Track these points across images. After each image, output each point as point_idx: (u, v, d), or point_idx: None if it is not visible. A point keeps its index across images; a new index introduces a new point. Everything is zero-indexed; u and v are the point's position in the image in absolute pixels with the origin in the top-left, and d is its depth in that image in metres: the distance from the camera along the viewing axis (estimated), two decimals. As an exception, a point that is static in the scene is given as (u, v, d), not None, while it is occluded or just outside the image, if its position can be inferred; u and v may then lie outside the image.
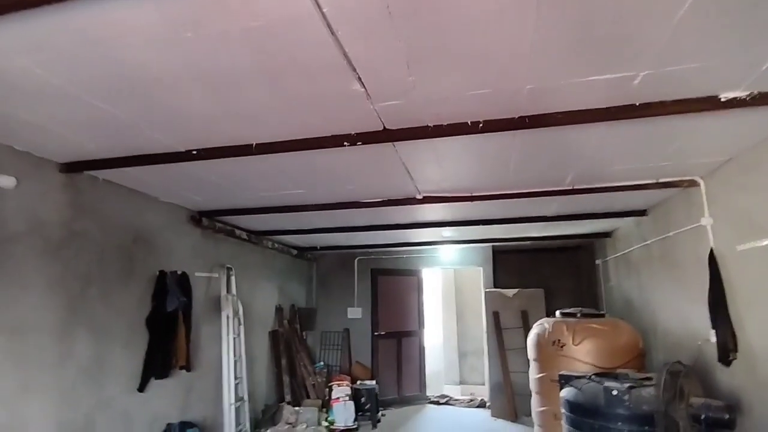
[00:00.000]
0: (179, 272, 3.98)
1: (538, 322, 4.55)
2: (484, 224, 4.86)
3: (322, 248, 6.63)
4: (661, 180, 3.41)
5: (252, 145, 2.60)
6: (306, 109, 2.19)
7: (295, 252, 6.53)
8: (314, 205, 4.03)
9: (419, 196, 3.79)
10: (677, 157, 2.88)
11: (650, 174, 3.30)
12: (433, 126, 2.35)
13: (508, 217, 4.74)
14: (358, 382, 6.02)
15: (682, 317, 3.79)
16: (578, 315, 4.34)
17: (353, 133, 2.44)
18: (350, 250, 6.97)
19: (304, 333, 6.82)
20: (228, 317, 4.58)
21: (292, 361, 5.92)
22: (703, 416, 2.44)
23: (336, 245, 6.54)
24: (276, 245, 5.92)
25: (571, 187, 3.57)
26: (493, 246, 6.79)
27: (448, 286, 7.87)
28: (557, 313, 4.55)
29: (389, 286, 6.64)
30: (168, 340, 3.73)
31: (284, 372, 5.76)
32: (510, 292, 6.21)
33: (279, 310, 6.05)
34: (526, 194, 3.67)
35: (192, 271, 4.21)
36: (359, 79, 1.90)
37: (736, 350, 2.95)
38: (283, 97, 2.06)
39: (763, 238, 2.64)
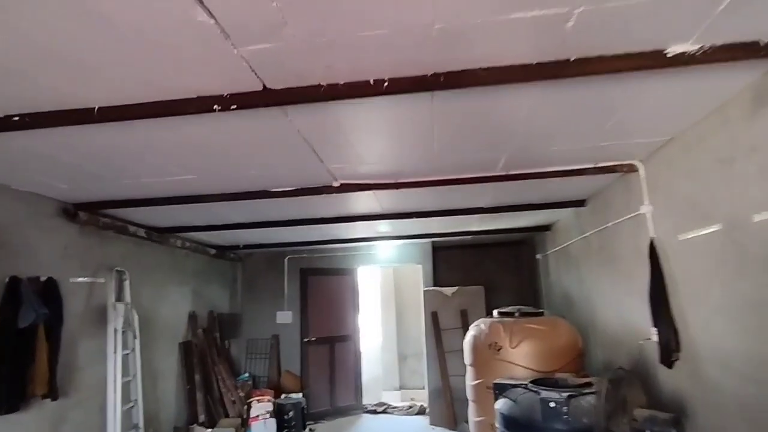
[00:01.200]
0: (43, 278, 3.23)
1: (475, 323, 4.18)
2: (418, 217, 4.43)
3: (246, 247, 5.96)
4: (600, 165, 3.10)
5: (93, 109, 1.97)
6: (152, 55, 1.61)
7: (213, 251, 5.82)
8: (215, 195, 3.42)
9: (336, 184, 3.28)
10: (616, 133, 2.55)
11: (588, 157, 2.98)
12: (327, 85, 1.84)
13: (443, 209, 4.34)
14: (283, 396, 5.43)
15: (622, 314, 3.53)
16: (516, 314, 4.01)
17: (225, 93, 1.89)
18: (279, 249, 6.35)
19: (226, 342, 6.12)
20: (116, 330, 3.85)
21: (208, 375, 5.23)
22: (647, 431, 2.11)
23: (261, 243, 5.90)
24: (188, 244, 5.20)
25: (505, 173, 3.20)
26: (432, 242, 6.43)
27: (387, 285, 7.43)
28: (495, 312, 4.20)
29: (321, 287, 6.09)
30: (22, 363, 2.98)
31: (198, 388, 5.06)
32: (449, 290, 5.86)
33: (193, 317, 5.33)
34: (457, 181, 3.26)
35: (64, 277, 3.46)
36: (200, 1, 1.35)
37: (678, 350, 2.67)
38: (117, 35, 1.48)
39: (706, 225, 2.36)
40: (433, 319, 5.77)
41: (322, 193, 3.38)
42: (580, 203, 4.24)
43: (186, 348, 5.12)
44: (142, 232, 4.34)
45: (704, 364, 2.45)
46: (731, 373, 2.23)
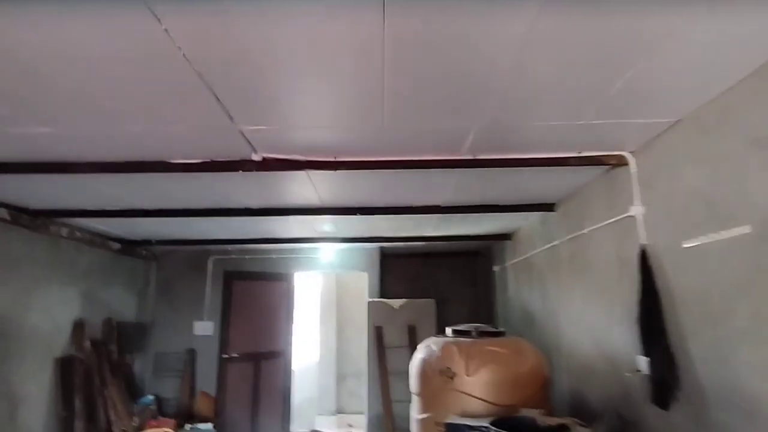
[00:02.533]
0: None
1: (425, 343, 3.51)
2: (364, 213, 3.73)
3: (160, 242, 4.99)
4: (584, 154, 2.55)
5: None
6: None
7: (117, 246, 4.80)
8: (88, 163, 2.54)
9: (256, 157, 2.51)
10: (618, 106, 1.98)
11: (573, 142, 2.42)
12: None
13: (394, 206, 3.67)
14: (188, 428, 4.48)
15: (597, 337, 2.98)
16: (473, 334, 3.37)
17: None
18: (202, 247, 5.42)
19: (129, 356, 5.07)
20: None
21: (93, 398, 4.19)
22: None
23: (178, 239, 4.95)
24: (78, 234, 4.18)
25: (471, 157, 2.57)
26: (381, 248, 5.74)
27: (328, 294, 6.64)
28: (448, 330, 3.55)
29: (248, 294, 5.21)
30: None
31: (78, 416, 4.02)
32: (396, 302, 5.17)
33: (79, 326, 4.28)
34: (411, 164, 2.59)
35: None
36: None
37: (678, 387, 2.12)
38: None
39: (728, 227, 1.82)
40: (377, 335, 5.05)
41: (238, 170, 2.59)
42: (548, 207, 3.72)
43: (65, 365, 4.07)
44: (3, 213, 3.33)
45: (716, 408, 1.90)
46: (761, 423, 1.67)
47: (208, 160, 2.57)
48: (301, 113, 2.05)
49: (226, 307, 5.04)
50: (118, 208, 3.59)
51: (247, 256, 5.65)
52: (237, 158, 2.54)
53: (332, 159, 2.58)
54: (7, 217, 3.38)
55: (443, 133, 2.27)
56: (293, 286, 5.62)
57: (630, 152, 2.54)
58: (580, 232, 3.20)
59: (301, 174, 2.85)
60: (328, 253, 5.65)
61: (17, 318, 3.58)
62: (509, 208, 3.73)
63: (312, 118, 2.09)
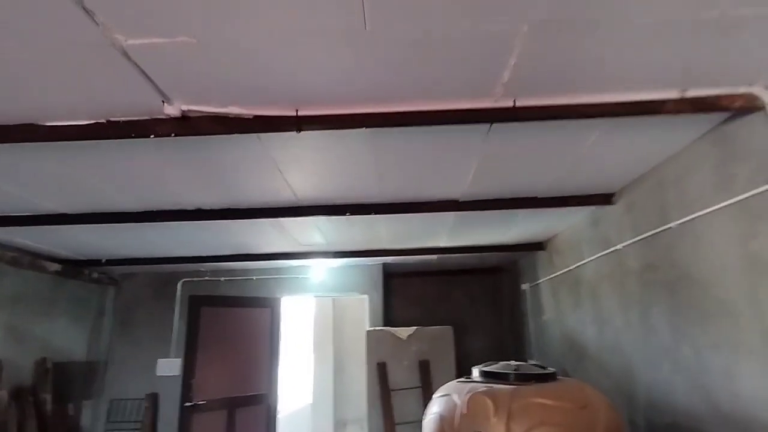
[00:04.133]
0: None
1: (443, 391, 2.49)
2: (355, 213, 2.78)
3: (112, 262, 4.07)
4: (690, 93, 1.61)
5: None
6: None
7: (56, 267, 3.88)
8: None
9: (172, 111, 1.60)
10: None
11: (676, 72, 1.49)
12: None
13: (395, 202, 2.73)
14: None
15: (707, 384, 1.96)
16: (511, 377, 2.36)
17: None
18: (169, 267, 4.49)
19: (72, 406, 4.09)
20: None
21: (7, 468, 3.20)
22: None
23: (134, 257, 4.03)
24: (-5, 252, 3.28)
25: (508, 103, 1.64)
26: (384, 264, 4.76)
27: (324, 322, 5.62)
28: (474, 371, 2.54)
29: (221, 323, 4.23)
30: None
31: (-18, 493, 3.02)
32: (404, 331, 4.16)
33: (-5, 370, 3.33)
34: (413, 117, 1.66)
35: None
36: None
37: None
38: None
39: None
40: (380, 374, 4.02)
41: (148, 134, 1.68)
42: (604, 199, 2.75)
43: (-30, 423, 3.10)
44: None
45: None
46: None
47: (101, 121, 1.66)
48: (232, 11, 1.14)
49: (191, 340, 4.06)
50: (23, 212, 2.69)
51: (222, 279, 4.70)
52: (143, 114, 1.63)
53: (292, 113, 1.66)
54: None
55: (464, 52, 1.35)
56: (279, 314, 4.64)
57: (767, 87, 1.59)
58: (661, 229, 2.22)
59: (253, 144, 1.93)
60: (320, 272, 4.68)
61: None
62: (549, 201, 2.77)
63: (251, 21, 1.18)
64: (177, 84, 1.48)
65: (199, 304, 4.10)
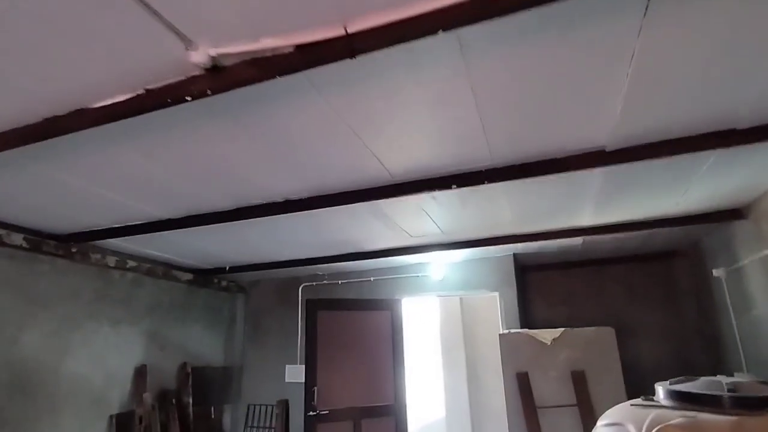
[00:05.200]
0: None
1: (612, 417, 1.75)
2: (463, 184, 2.21)
3: (235, 269, 4.14)
4: None
5: None
6: None
7: (188, 276, 4.09)
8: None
9: (199, 57, 1.27)
10: None
11: None
12: None
13: (510, 164, 2.08)
14: None
15: None
16: (726, 402, 1.53)
17: None
18: (291, 271, 4.44)
19: (215, 409, 4.25)
20: None
21: (153, 469, 3.34)
22: None
23: (250, 263, 4.04)
24: (131, 263, 3.52)
25: None
26: (515, 254, 4.02)
27: (452, 325, 5.03)
28: (660, 390, 1.73)
29: (339, 327, 3.97)
30: None
31: (134, 492, 3.18)
32: (547, 334, 3.38)
33: (141, 374, 3.55)
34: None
35: None
36: None
37: None
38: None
39: None
40: (522, 386, 3.30)
41: (182, 98, 1.39)
42: None
43: (121, 424, 3.31)
44: (17, 239, 2.73)
45: None
46: None
47: (140, 92, 1.42)
48: None
49: (310, 346, 3.88)
50: (135, 221, 2.75)
51: (339, 282, 4.50)
52: (174, 73, 1.35)
53: (339, 32, 1.20)
54: (24, 244, 2.76)
55: None
56: (400, 316, 4.24)
57: None
58: None
59: (312, 98, 1.53)
60: (441, 268, 4.16)
61: (49, 367, 2.91)
62: (759, 134, 1.81)
63: None
64: (195, 21, 1.15)
65: (315, 308, 3.92)
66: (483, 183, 2.17)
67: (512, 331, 3.54)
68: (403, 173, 2.17)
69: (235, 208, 2.55)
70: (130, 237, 2.98)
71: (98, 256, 3.25)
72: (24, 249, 2.78)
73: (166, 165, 2.01)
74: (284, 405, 4.33)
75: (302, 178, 2.19)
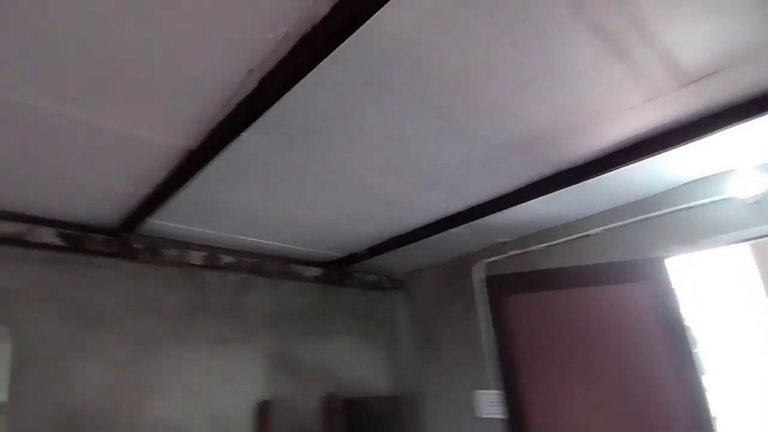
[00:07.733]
0: None
1: None
2: None
3: (374, 251, 2.80)
4: None
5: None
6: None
7: (316, 272, 2.94)
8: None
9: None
10: None
11: None
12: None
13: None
14: None
15: None
16: None
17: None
18: (455, 244, 2.90)
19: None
20: None
21: None
22: None
23: (391, 236, 2.63)
24: (229, 260, 2.52)
25: None
26: None
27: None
28: None
29: (549, 320, 2.14)
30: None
31: None
32: None
33: (263, 413, 2.45)
34: None
35: None
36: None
37: None
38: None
39: None
40: None
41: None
42: None
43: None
44: (48, 234, 1.93)
45: None
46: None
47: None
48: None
49: (503, 353, 2.13)
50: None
51: (537, 246, 2.71)
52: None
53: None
54: (58, 242, 1.96)
55: None
56: (669, 288, 2.18)
57: None
58: None
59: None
60: (746, 186, 2.00)
61: (121, 413, 2.01)
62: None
63: None
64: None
65: (501, 290, 2.23)
66: None
67: None
68: None
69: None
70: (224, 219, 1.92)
71: (174, 252, 2.31)
72: (61, 249, 1.97)
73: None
74: (486, 455, 2.72)
75: None
